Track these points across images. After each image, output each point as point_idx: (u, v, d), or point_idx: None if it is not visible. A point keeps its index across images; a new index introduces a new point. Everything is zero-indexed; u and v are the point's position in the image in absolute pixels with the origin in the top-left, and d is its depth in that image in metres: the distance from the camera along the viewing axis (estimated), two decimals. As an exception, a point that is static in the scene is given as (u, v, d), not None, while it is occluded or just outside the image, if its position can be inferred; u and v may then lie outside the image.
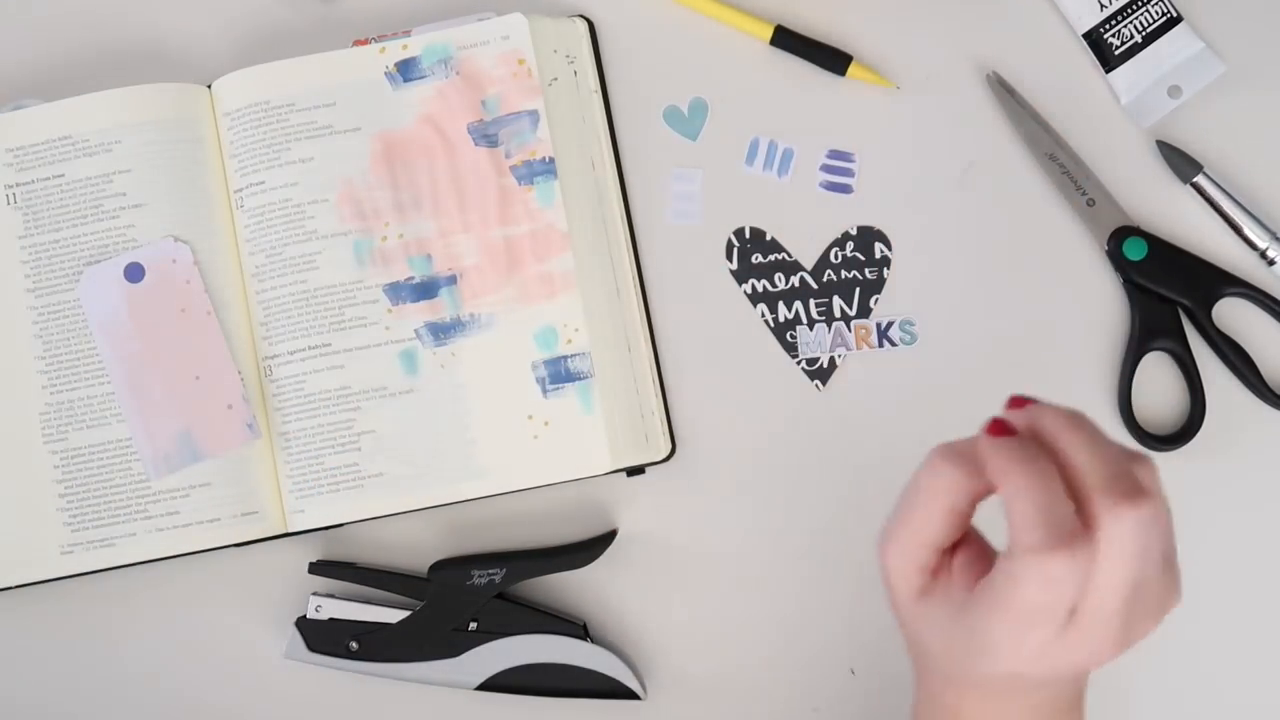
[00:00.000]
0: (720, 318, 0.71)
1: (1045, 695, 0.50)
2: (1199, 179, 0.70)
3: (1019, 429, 0.48)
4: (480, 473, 0.68)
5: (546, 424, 0.68)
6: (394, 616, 0.68)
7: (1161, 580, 0.47)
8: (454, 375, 0.68)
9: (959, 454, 0.48)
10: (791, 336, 0.71)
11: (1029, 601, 0.45)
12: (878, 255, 0.71)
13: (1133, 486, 0.45)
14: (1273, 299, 0.69)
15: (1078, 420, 0.47)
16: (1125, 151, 0.71)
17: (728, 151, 0.72)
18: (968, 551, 0.49)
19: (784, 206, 0.72)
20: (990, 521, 0.50)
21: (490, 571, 0.67)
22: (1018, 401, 0.49)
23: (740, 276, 0.71)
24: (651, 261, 0.71)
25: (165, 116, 0.69)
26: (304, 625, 0.68)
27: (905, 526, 0.49)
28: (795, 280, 0.71)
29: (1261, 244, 0.69)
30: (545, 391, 0.68)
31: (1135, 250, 0.70)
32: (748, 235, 0.72)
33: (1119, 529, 0.44)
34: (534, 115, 0.70)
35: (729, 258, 0.72)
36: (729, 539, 0.70)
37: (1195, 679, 0.69)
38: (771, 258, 0.71)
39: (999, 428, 0.48)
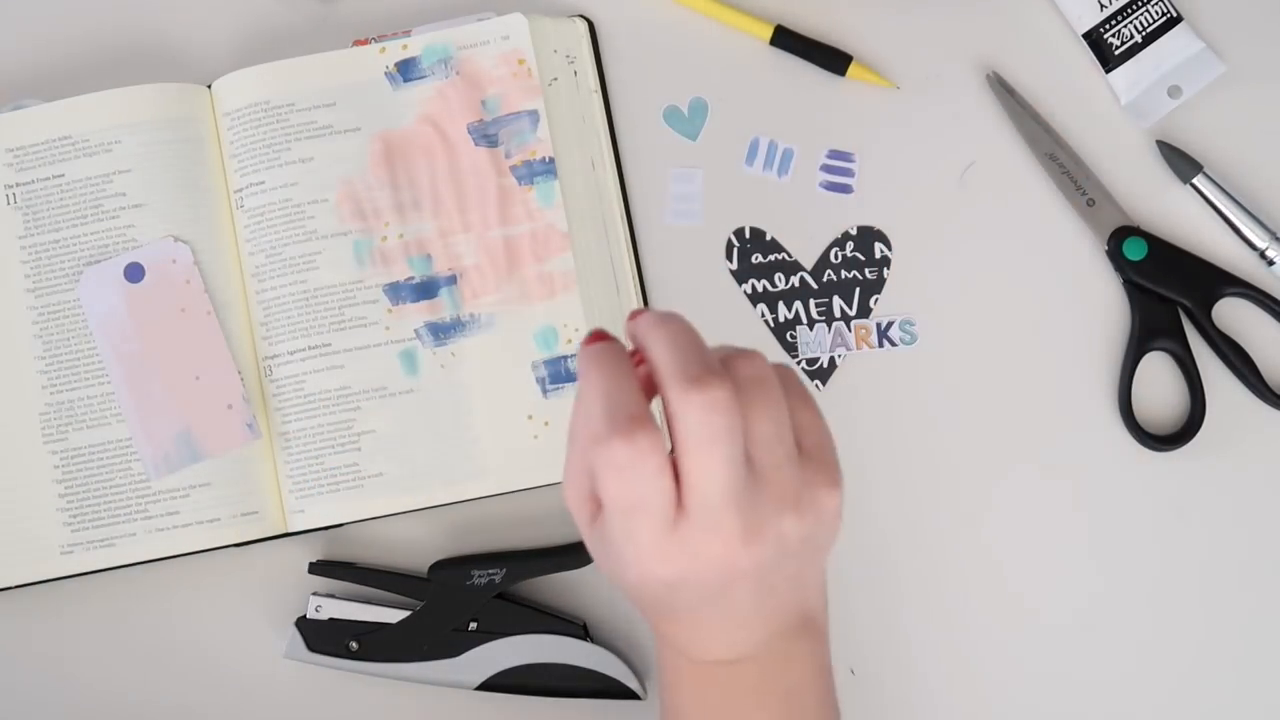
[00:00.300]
0: (720, 318, 0.71)
1: (741, 614, 0.49)
2: (1199, 179, 0.70)
3: (626, 339, 0.48)
4: (480, 473, 0.68)
5: (546, 424, 0.68)
6: (394, 616, 0.68)
7: (791, 471, 0.46)
8: (454, 375, 0.68)
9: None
10: (791, 336, 0.71)
11: (613, 495, 0.45)
12: (878, 255, 0.71)
13: (703, 371, 0.45)
14: (1273, 299, 0.69)
15: (663, 319, 0.47)
16: (1125, 151, 0.71)
17: (728, 151, 0.72)
18: None
19: (784, 206, 0.72)
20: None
21: (490, 571, 0.67)
22: (632, 315, 0.49)
23: (740, 276, 0.71)
24: (651, 261, 0.71)
25: (165, 116, 0.69)
26: (304, 625, 0.68)
27: (567, 461, 0.48)
28: (795, 280, 0.71)
29: (1261, 244, 0.69)
30: (545, 391, 0.68)
31: (1135, 250, 0.70)
32: (748, 235, 0.72)
33: (687, 412, 0.44)
34: (534, 115, 0.70)
35: (729, 258, 0.72)
36: (729, 539, 0.70)
37: (1195, 678, 0.69)
38: (771, 258, 0.71)
39: (591, 338, 0.48)
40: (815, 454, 0.48)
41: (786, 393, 0.48)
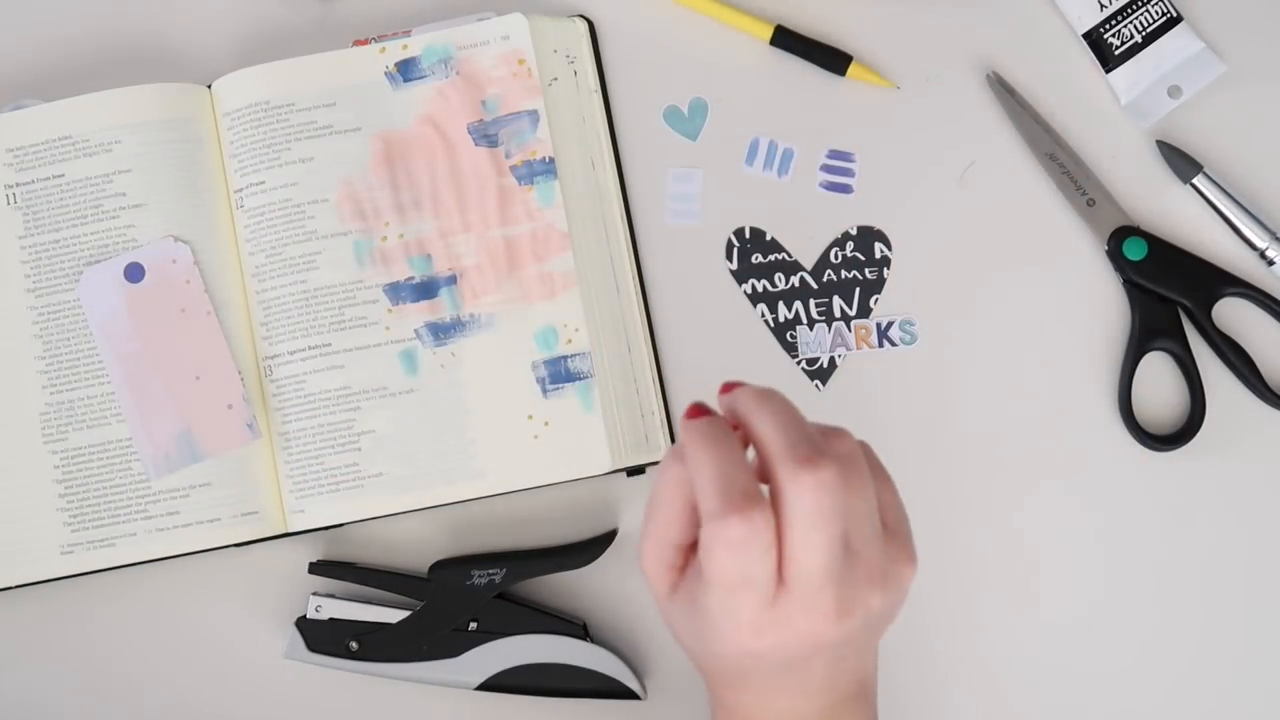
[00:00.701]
0: (720, 318, 0.71)
1: (813, 684, 0.50)
2: (1199, 179, 0.70)
3: (723, 413, 0.49)
4: (480, 473, 0.68)
5: (546, 424, 0.68)
6: (394, 616, 0.68)
7: (879, 548, 0.48)
8: (454, 375, 0.68)
9: (678, 449, 0.49)
10: (791, 336, 0.71)
11: (722, 570, 0.46)
12: (878, 255, 0.71)
13: (812, 452, 0.46)
14: (1273, 299, 0.69)
15: (765, 396, 0.48)
16: (1125, 151, 0.71)
17: (727, 151, 0.72)
18: None
19: (784, 206, 0.72)
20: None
21: (490, 571, 0.67)
22: (726, 387, 0.50)
23: (740, 276, 0.71)
24: (651, 261, 0.71)
25: (165, 116, 0.69)
26: (304, 625, 0.68)
27: (649, 528, 0.49)
28: (795, 280, 0.71)
29: (1261, 244, 0.69)
30: (545, 391, 0.68)
31: (1135, 250, 0.70)
32: (747, 235, 0.72)
33: (798, 492, 0.45)
34: (534, 115, 0.70)
35: (729, 258, 0.72)
36: (729, 539, 0.70)
37: (1196, 677, 0.69)
38: (771, 258, 0.71)
39: (694, 411, 0.49)
40: (897, 531, 0.50)
41: (875, 471, 0.49)
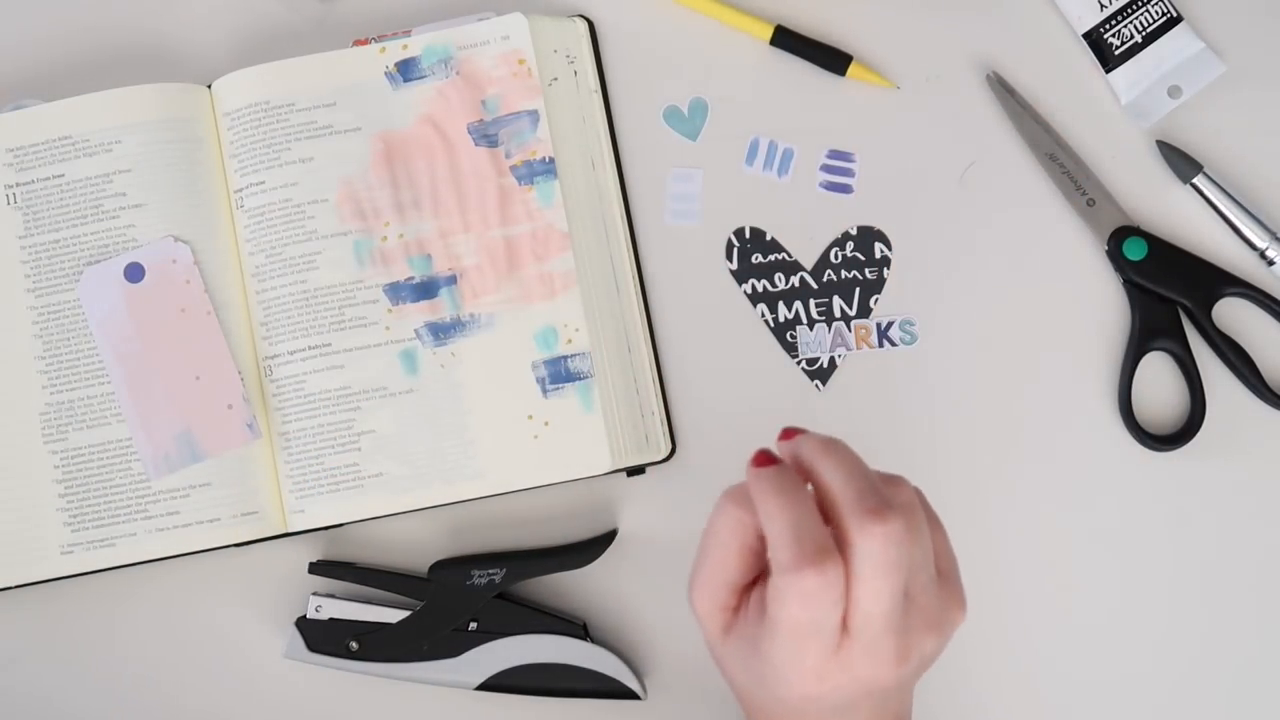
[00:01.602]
0: (720, 318, 0.71)
1: None
2: (1199, 179, 0.70)
3: (784, 459, 0.50)
4: (480, 473, 0.68)
5: (547, 424, 0.68)
6: (394, 616, 0.68)
7: (934, 594, 0.49)
8: (454, 375, 0.68)
9: (742, 494, 0.50)
10: (791, 336, 0.71)
11: (794, 619, 0.47)
12: (878, 255, 0.71)
13: (880, 504, 0.47)
14: (1273, 299, 0.69)
15: (831, 446, 0.50)
16: (1125, 151, 0.71)
17: (727, 151, 0.72)
18: (764, 586, 0.50)
19: (784, 206, 0.72)
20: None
21: (490, 571, 0.67)
22: (787, 433, 0.51)
23: (740, 276, 0.71)
24: (651, 261, 0.71)
25: (165, 116, 0.69)
26: (304, 625, 0.68)
27: (704, 569, 0.51)
28: (795, 280, 0.71)
29: (1261, 244, 0.69)
30: (545, 391, 0.68)
31: (1135, 250, 0.70)
32: (747, 235, 0.72)
33: (868, 544, 0.47)
34: (534, 115, 0.70)
35: (729, 258, 0.72)
36: (729, 539, 0.70)
37: (1197, 677, 0.69)
38: (771, 258, 0.71)
39: (761, 459, 0.50)
40: (949, 576, 0.51)
41: (929, 519, 0.51)
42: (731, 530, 0.50)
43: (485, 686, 0.67)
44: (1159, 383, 0.70)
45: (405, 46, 0.70)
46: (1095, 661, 0.69)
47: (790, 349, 0.71)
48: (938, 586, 0.50)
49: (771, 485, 0.48)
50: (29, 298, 0.69)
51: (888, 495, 0.48)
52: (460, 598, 0.67)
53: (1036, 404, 0.70)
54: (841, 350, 0.71)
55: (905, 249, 0.71)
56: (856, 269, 0.71)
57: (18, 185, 0.69)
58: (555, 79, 0.71)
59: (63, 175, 0.69)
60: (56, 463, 0.68)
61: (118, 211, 0.69)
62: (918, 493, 0.51)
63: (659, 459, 0.70)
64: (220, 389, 0.68)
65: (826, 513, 0.48)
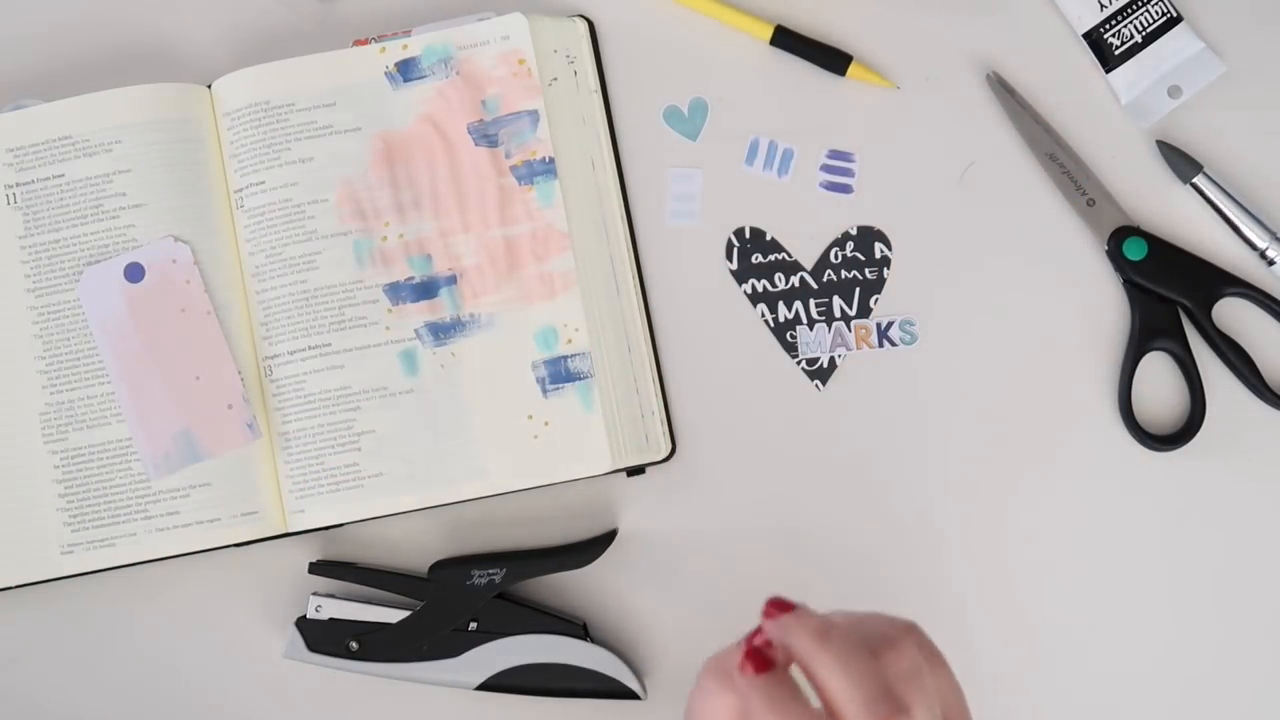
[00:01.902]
0: (720, 318, 0.71)
1: None
2: (1199, 179, 0.70)
3: (772, 639, 0.47)
4: (480, 473, 0.68)
5: (546, 424, 0.68)
6: (394, 616, 0.68)
7: None
8: (454, 375, 0.68)
9: (723, 673, 0.47)
10: (791, 336, 0.71)
11: None
12: (878, 255, 0.71)
13: (890, 711, 0.44)
14: (1273, 299, 0.69)
15: (825, 637, 0.46)
16: (1125, 151, 0.71)
17: (727, 151, 0.72)
18: None
19: (784, 206, 0.72)
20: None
21: (490, 571, 0.67)
22: (773, 608, 0.48)
23: (740, 276, 0.71)
24: (651, 261, 0.71)
25: (165, 116, 0.69)
26: (304, 625, 0.68)
27: (702, 704, 0.48)
28: (795, 280, 0.71)
29: (1261, 244, 0.69)
30: (545, 391, 0.68)
31: (1135, 250, 0.70)
32: (748, 235, 0.72)
33: None
34: (534, 115, 0.70)
35: (729, 258, 0.72)
36: (729, 539, 0.70)
37: (1196, 678, 0.69)
38: (771, 258, 0.71)
39: (752, 655, 0.47)
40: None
41: (929, 663, 0.48)
42: (713, 713, 0.47)
43: (485, 686, 0.67)
44: (1159, 383, 0.70)
45: (405, 46, 0.70)
46: (1095, 661, 0.69)
47: (790, 349, 0.71)
48: None
49: (765, 697, 0.45)
50: (29, 298, 0.69)
51: (889, 685, 0.45)
52: (460, 598, 0.67)
53: (1036, 404, 0.70)
54: (841, 350, 0.71)
55: (905, 249, 0.71)
56: (856, 269, 0.71)
57: (18, 185, 0.69)
58: (555, 79, 0.71)
59: (63, 175, 0.69)
60: (56, 463, 0.68)
61: (118, 211, 0.69)
62: (919, 642, 0.48)
63: (659, 459, 0.70)
64: (220, 389, 0.68)
65: (831, 714, 0.45)
